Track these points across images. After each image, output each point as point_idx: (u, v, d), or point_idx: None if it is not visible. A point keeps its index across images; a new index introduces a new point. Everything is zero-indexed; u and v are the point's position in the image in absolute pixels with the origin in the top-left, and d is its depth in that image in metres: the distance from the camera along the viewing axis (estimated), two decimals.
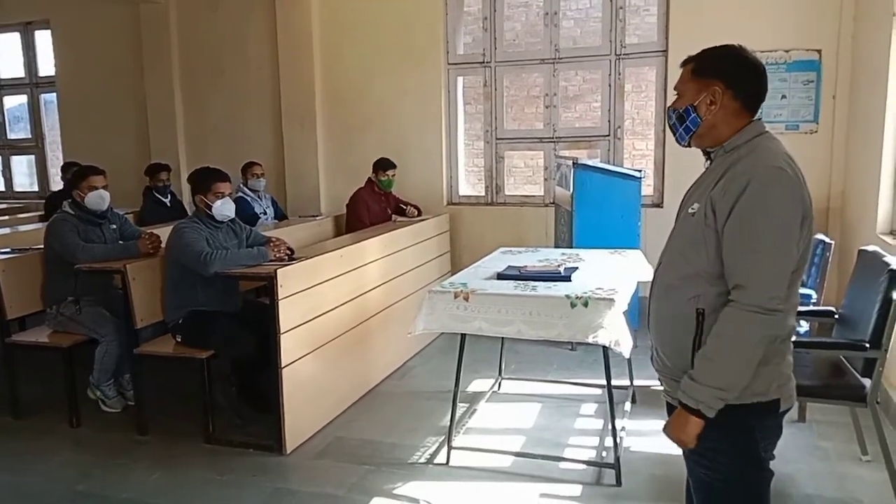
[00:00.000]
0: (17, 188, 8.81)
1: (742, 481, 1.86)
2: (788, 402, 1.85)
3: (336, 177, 6.84)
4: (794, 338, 1.89)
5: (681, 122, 1.90)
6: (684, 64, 1.93)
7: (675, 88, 1.95)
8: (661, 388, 2.00)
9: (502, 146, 6.54)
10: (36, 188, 8.69)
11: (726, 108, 1.84)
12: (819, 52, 5.40)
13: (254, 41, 7.02)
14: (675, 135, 1.96)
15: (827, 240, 4.26)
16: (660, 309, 1.94)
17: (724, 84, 1.83)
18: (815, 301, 4.07)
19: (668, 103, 1.98)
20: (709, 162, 1.93)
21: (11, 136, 8.78)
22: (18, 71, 8.51)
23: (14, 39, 8.43)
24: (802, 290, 4.02)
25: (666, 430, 1.85)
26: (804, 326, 4.02)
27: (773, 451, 1.89)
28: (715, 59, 1.87)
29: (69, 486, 3.41)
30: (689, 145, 1.96)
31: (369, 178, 5.96)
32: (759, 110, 1.89)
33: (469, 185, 7.23)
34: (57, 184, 8.10)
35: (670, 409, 1.95)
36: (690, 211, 1.86)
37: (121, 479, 3.48)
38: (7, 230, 5.78)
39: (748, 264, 1.72)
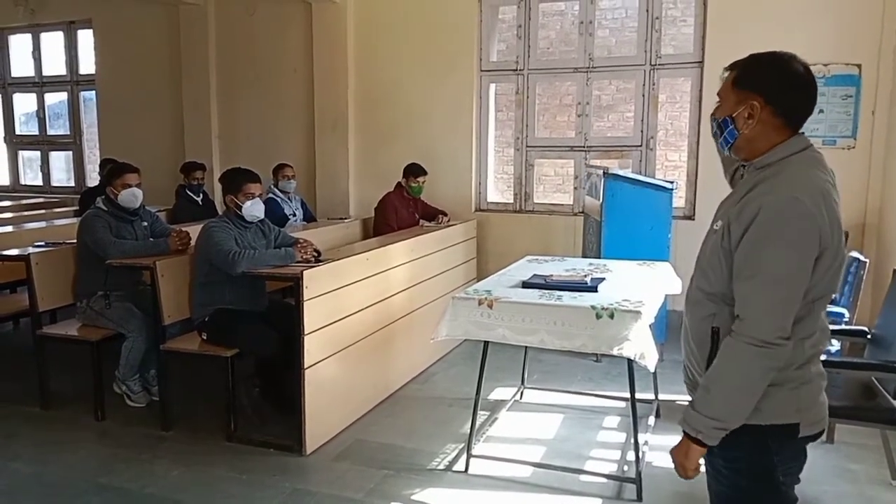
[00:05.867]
0: (55, 183, 8.99)
1: (754, 501, 1.84)
2: (812, 427, 1.78)
3: (366, 181, 6.87)
4: (823, 358, 1.83)
5: (720, 131, 1.82)
6: (728, 69, 1.82)
7: (717, 94, 1.86)
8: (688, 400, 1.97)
9: (533, 154, 6.52)
10: (73, 183, 8.86)
11: (765, 123, 1.74)
12: (859, 66, 5.30)
13: (289, 46, 7.09)
14: (716, 142, 1.88)
15: (862, 258, 4.16)
16: (687, 323, 1.92)
17: (763, 98, 1.72)
18: (847, 320, 3.98)
19: (709, 112, 1.90)
20: (741, 175, 1.88)
21: (51, 131, 8.96)
22: (60, 68, 8.70)
23: (57, 38, 8.62)
24: (835, 309, 3.94)
25: (672, 453, 1.84)
26: (835, 345, 3.93)
27: (798, 475, 1.85)
28: (758, 71, 1.76)
29: (91, 478, 3.45)
30: (730, 154, 1.87)
31: (399, 183, 5.97)
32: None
33: (498, 191, 7.21)
34: (93, 180, 8.26)
35: None
36: (715, 227, 1.81)
37: (143, 473, 3.51)
38: (42, 224, 5.91)
39: (748, 295, 1.69)
